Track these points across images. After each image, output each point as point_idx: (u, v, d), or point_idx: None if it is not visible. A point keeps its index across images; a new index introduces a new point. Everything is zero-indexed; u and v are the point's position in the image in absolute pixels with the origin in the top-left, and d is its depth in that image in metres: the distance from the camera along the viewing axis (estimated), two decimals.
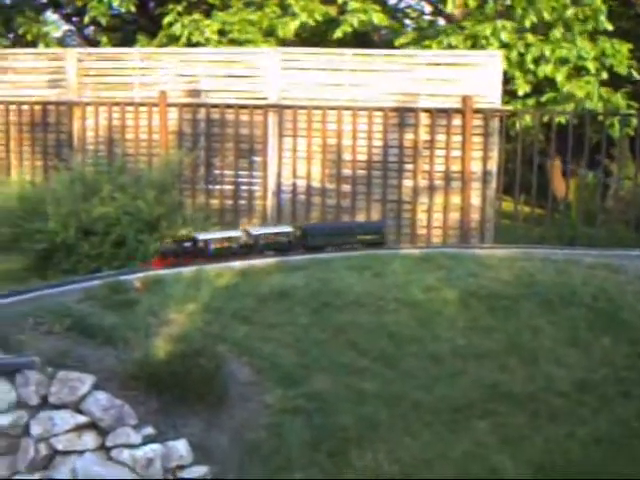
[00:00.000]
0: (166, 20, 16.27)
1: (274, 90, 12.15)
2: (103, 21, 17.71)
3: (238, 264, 8.30)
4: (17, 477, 5.56)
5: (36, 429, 5.58)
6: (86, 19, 18.14)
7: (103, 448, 5.60)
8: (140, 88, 12.59)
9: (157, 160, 11.96)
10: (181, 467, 5.66)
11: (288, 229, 9.10)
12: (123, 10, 17.72)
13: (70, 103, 12.75)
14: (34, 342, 6.26)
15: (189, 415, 6.05)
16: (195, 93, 12.43)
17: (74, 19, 22.77)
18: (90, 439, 5.60)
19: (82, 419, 5.61)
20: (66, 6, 22.33)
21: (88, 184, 10.77)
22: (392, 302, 7.69)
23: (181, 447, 5.68)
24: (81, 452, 5.56)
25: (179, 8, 16.46)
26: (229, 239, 8.60)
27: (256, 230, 8.97)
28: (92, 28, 22.28)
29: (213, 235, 8.66)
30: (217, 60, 12.48)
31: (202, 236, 8.49)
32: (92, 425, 5.63)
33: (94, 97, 12.73)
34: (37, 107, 12.89)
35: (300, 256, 8.82)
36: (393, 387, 6.67)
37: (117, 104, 12.57)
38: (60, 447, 5.55)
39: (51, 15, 22.28)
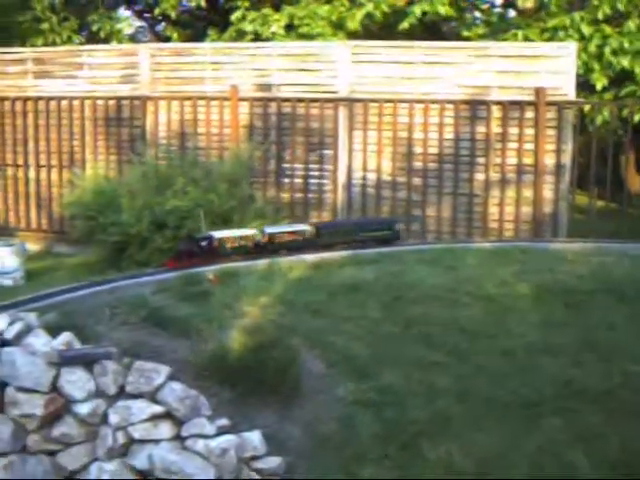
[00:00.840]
0: (235, 15, 16.43)
1: (345, 83, 12.14)
2: (173, 14, 18.02)
3: (311, 257, 8.34)
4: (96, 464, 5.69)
5: (114, 418, 5.69)
6: (156, 11, 18.48)
7: (178, 438, 5.68)
8: (212, 82, 12.71)
9: (228, 154, 12.07)
10: (255, 458, 5.70)
11: (303, 227, 9.05)
12: (193, 4, 18.00)
13: (143, 98, 12.94)
14: (111, 332, 6.40)
15: (262, 407, 6.10)
16: (266, 87, 12.49)
17: (146, 15, 23.16)
18: (166, 429, 5.68)
19: (158, 409, 5.70)
20: (138, 2, 22.75)
21: (161, 177, 10.95)
22: (465, 296, 7.63)
23: (255, 438, 5.72)
24: (157, 441, 5.64)
25: (247, 3, 16.63)
26: (245, 238, 8.51)
27: (271, 228, 8.89)
28: (163, 24, 22.63)
29: (228, 234, 8.52)
30: (288, 54, 12.50)
31: (217, 234, 8.37)
32: (167, 415, 5.71)
33: (166, 92, 12.89)
34: (111, 102, 13.10)
35: (370, 250, 8.83)
36: (465, 382, 6.61)
37: (189, 98, 12.70)
38: (137, 436, 5.65)
39: (123, 12, 22.71)
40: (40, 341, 5.88)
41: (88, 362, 5.80)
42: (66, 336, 5.93)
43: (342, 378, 6.62)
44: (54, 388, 5.74)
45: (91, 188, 11.21)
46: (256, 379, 6.09)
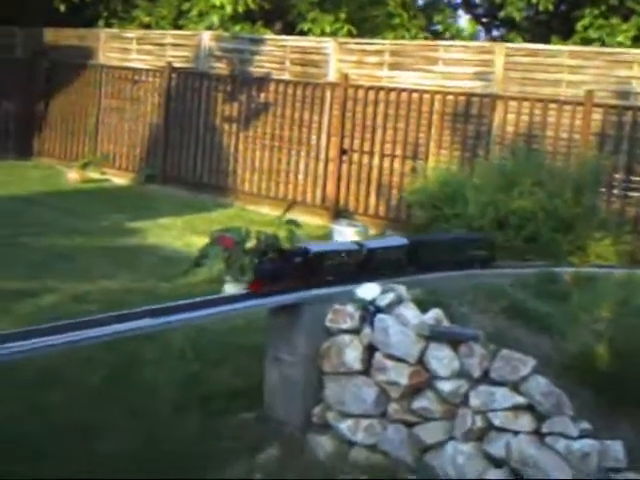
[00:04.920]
0: (581, 23, 16.15)
1: None
2: (517, 16, 17.97)
3: None
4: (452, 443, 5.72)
5: (475, 401, 5.67)
6: (501, 14, 18.55)
7: (537, 433, 5.54)
8: (566, 86, 12.40)
9: (575, 160, 11.71)
10: (615, 469, 5.44)
11: (403, 241, 7.22)
12: (541, 9, 17.87)
13: (494, 96, 12.86)
14: (472, 316, 6.42)
15: (623, 418, 5.83)
16: (623, 95, 11.99)
17: (483, 20, 23.32)
18: (526, 421, 5.56)
19: (520, 400, 5.59)
20: (479, 5, 22.99)
21: (506, 176, 10.82)
22: None
23: (618, 449, 5.46)
24: (516, 432, 5.55)
25: (596, 11, 16.26)
26: (347, 253, 6.67)
27: (372, 243, 7.15)
28: (501, 29, 22.63)
29: (327, 247, 6.86)
30: None
31: (315, 248, 6.55)
32: (529, 407, 5.60)
33: (518, 92, 12.76)
34: (461, 98, 13.16)
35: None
36: None
37: (540, 101, 12.45)
38: (497, 423, 5.59)
39: (462, 14, 23.07)
40: (410, 313, 5.99)
41: (455, 341, 5.82)
42: (435, 312, 5.99)
43: None
44: (420, 361, 5.81)
45: (436, 179, 11.35)
46: (621, 388, 5.83)
